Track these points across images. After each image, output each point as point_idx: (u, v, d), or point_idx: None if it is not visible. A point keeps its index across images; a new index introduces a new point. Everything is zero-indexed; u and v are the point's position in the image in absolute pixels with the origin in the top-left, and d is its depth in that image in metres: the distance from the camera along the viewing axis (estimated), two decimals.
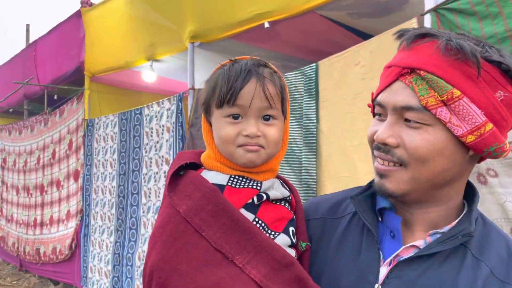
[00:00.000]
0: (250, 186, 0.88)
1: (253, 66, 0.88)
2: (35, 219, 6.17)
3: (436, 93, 0.77)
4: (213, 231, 0.81)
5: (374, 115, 0.90)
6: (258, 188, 0.88)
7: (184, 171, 0.89)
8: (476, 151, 0.80)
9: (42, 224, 6.01)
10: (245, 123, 0.86)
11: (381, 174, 0.84)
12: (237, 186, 0.88)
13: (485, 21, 2.18)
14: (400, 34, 0.85)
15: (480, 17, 2.19)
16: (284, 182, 0.96)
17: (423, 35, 0.81)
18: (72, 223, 5.33)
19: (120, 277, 4.50)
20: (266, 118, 0.87)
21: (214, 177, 0.88)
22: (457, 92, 0.76)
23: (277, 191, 0.91)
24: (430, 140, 0.78)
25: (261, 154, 0.87)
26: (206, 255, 0.80)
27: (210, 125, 0.93)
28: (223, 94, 0.86)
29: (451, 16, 2.25)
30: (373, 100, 0.88)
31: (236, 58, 0.93)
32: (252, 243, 0.81)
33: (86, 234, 5.12)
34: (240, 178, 0.89)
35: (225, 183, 0.88)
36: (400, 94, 0.80)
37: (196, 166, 0.93)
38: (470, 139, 0.77)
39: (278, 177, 0.96)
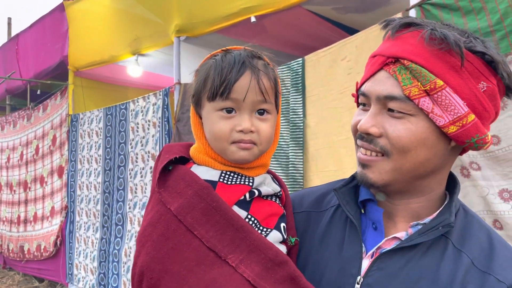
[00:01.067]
0: (242, 182, 0.86)
1: (247, 57, 0.84)
2: (19, 216, 6.08)
3: (419, 83, 0.77)
4: (205, 230, 0.79)
5: (358, 105, 0.90)
6: (250, 184, 0.86)
7: (172, 166, 0.86)
8: (458, 142, 0.80)
9: (26, 221, 5.92)
10: (239, 117, 0.83)
11: (363, 164, 0.84)
12: (229, 183, 0.85)
13: (469, 16, 2.21)
14: (386, 24, 0.84)
15: (463, 12, 2.22)
16: (275, 177, 0.95)
17: (408, 25, 0.81)
18: (57, 220, 5.27)
19: (106, 274, 4.46)
20: (260, 112, 0.85)
21: (205, 172, 0.86)
22: (440, 82, 0.76)
23: (269, 187, 0.89)
24: (412, 130, 0.78)
25: (254, 151, 0.85)
26: (198, 255, 0.78)
27: (200, 117, 0.90)
28: (216, 86, 0.82)
29: (436, 11, 2.27)
30: (357, 89, 0.88)
31: (228, 48, 0.88)
32: (245, 242, 0.79)
33: (71, 231, 5.06)
34: (232, 174, 0.86)
35: (217, 179, 0.85)
36: (384, 83, 0.80)
37: (184, 160, 0.89)
38: (452, 129, 0.77)
39: (268, 172, 0.94)
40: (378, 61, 0.82)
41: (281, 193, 0.92)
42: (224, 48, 0.89)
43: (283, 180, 2.96)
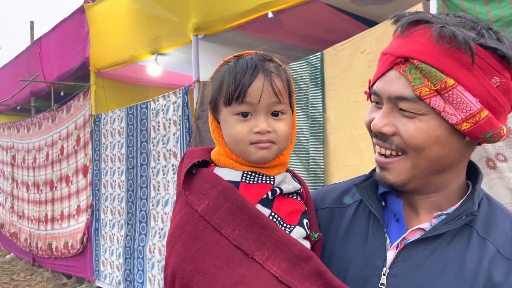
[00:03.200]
0: (264, 181, 0.88)
1: (259, 61, 0.87)
2: (46, 215, 6.25)
3: (429, 83, 0.76)
4: (232, 229, 0.81)
5: (371, 101, 0.90)
6: (272, 182, 0.89)
7: (196, 169, 0.89)
8: (472, 138, 0.80)
9: (53, 220, 6.09)
10: (255, 119, 0.86)
11: (381, 167, 0.85)
12: (251, 182, 0.88)
13: (492, 4, 2.15)
14: (396, 19, 0.84)
15: (486, 1, 2.16)
16: (294, 175, 0.97)
17: (417, 22, 0.80)
18: (83, 218, 5.39)
19: (132, 270, 4.55)
20: (275, 113, 0.87)
21: (227, 174, 0.89)
22: (450, 81, 0.76)
23: (290, 184, 0.91)
24: (424, 129, 0.78)
25: (273, 150, 0.88)
26: (226, 253, 0.80)
27: (218, 122, 0.93)
28: (231, 91, 0.85)
29: (457, 0, 2.22)
30: (370, 87, 0.88)
31: (240, 53, 0.92)
32: (271, 239, 0.81)
33: (97, 228, 5.18)
34: (253, 174, 0.89)
35: (239, 180, 0.88)
36: (394, 83, 0.80)
37: (206, 163, 0.93)
38: (465, 126, 0.77)
39: (288, 170, 0.97)
40: (388, 60, 0.82)
41: (301, 190, 0.94)
42: (236, 54, 0.92)
43: (304, 175, 2.97)
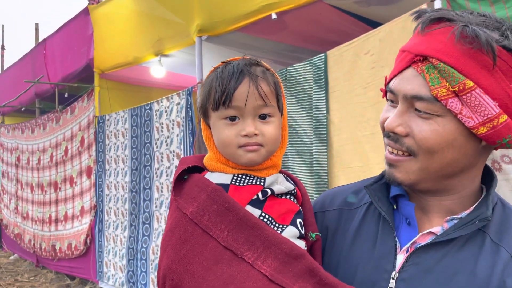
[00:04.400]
0: (254, 183, 0.89)
1: (245, 66, 0.89)
2: (50, 216, 6.26)
3: (447, 83, 0.74)
4: (220, 230, 0.82)
5: (387, 99, 0.88)
6: (262, 184, 0.89)
7: (188, 175, 0.91)
8: (489, 142, 0.78)
9: (57, 221, 6.10)
10: (242, 123, 0.87)
11: (390, 164, 0.83)
12: (241, 184, 0.89)
13: (497, 5, 2.14)
14: (417, 15, 0.81)
15: (491, 1, 2.15)
16: (288, 176, 0.97)
17: (439, 19, 0.77)
18: (86, 219, 5.40)
19: (135, 271, 4.55)
20: (263, 116, 0.88)
21: (218, 177, 0.90)
22: (469, 83, 0.73)
23: (282, 185, 0.91)
24: (439, 131, 0.76)
25: (261, 153, 0.88)
26: (215, 254, 0.81)
27: (210, 127, 0.94)
28: (218, 96, 0.87)
29: (462, 1, 2.21)
30: (386, 84, 0.86)
31: (228, 60, 0.93)
32: (260, 239, 0.81)
33: (101, 230, 5.18)
34: (244, 176, 0.90)
35: (228, 182, 0.89)
36: (411, 82, 0.78)
37: (200, 169, 0.94)
38: (482, 130, 0.75)
39: (281, 171, 0.97)
40: (406, 57, 0.80)
41: (295, 191, 0.93)
42: (224, 61, 0.94)
43: (308, 177, 2.95)
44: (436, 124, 0.77)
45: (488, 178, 0.86)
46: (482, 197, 0.84)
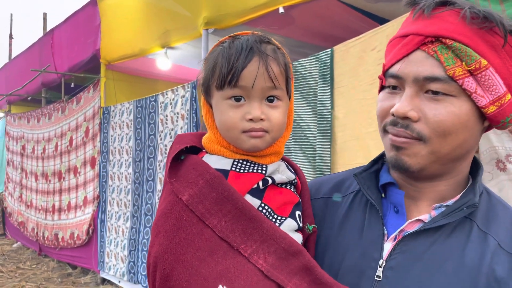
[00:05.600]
0: (255, 171, 0.84)
1: (255, 43, 0.81)
2: (54, 205, 6.30)
3: (463, 63, 0.74)
4: (217, 220, 0.77)
5: (381, 88, 0.86)
6: (263, 172, 0.84)
7: (184, 156, 0.85)
8: (493, 122, 0.79)
9: (60, 210, 6.14)
10: (248, 105, 0.81)
11: (397, 147, 0.80)
12: (242, 171, 0.84)
13: (507, 3, 2.11)
14: (413, 2, 0.81)
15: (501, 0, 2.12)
16: (289, 164, 0.93)
17: (443, 3, 0.78)
18: (89, 209, 5.43)
19: (136, 262, 4.57)
20: (270, 99, 0.82)
21: (217, 161, 0.84)
22: (484, 62, 0.74)
23: (283, 174, 0.87)
24: (455, 112, 0.75)
25: (266, 139, 0.83)
26: (210, 245, 0.77)
27: (211, 106, 0.88)
28: (223, 74, 0.80)
29: None
30: (384, 72, 0.84)
31: (236, 33, 0.86)
32: (258, 232, 0.78)
33: (103, 220, 5.21)
34: (244, 162, 0.85)
35: (229, 168, 0.84)
36: (422, 64, 0.76)
37: (197, 149, 0.88)
38: (491, 109, 0.76)
39: (283, 159, 0.92)
40: (413, 40, 0.78)
41: (296, 181, 0.90)
42: (232, 34, 0.86)
43: (310, 172, 2.93)
44: (452, 106, 0.75)
45: (474, 167, 0.87)
46: (469, 184, 0.84)
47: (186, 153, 0.86)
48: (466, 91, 0.75)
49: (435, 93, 0.76)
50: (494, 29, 0.74)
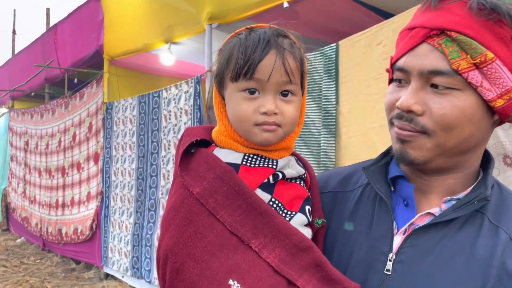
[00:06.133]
0: (265, 165, 0.84)
1: (272, 36, 0.81)
2: (57, 200, 6.32)
3: (468, 56, 0.73)
4: (228, 214, 0.77)
5: (390, 81, 0.85)
6: (274, 167, 0.84)
7: (194, 149, 0.85)
8: (502, 116, 0.77)
9: (63, 205, 6.15)
10: (263, 98, 0.80)
11: (402, 140, 0.80)
12: (253, 165, 0.83)
13: None
14: None
15: None
16: (299, 159, 0.93)
17: None
18: (93, 205, 5.44)
19: (139, 258, 4.58)
20: (285, 93, 0.82)
21: (227, 155, 0.84)
22: (490, 55, 0.73)
23: (293, 169, 0.87)
24: (460, 106, 0.75)
25: (278, 133, 0.83)
26: (221, 239, 0.76)
27: (223, 98, 0.87)
28: (239, 66, 0.79)
29: None
30: (392, 64, 0.83)
31: (253, 26, 0.85)
32: (269, 227, 0.77)
33: (106, 215, 5.22)
34: (255, 157, 0.84)
35: (239, 162, 0.83)
36: (427, 57, 0.75)
37: (206, 142, 0.88)
38: (499, 103, 0.75)
39: (293, 153, 0.92)
40: (419, 33, 0.77)
41: (305, 175, 0.89)
42: (248, 26, 0.85)
43: (315, 168, 2.92)
44: (457, 100, 0.75)
45: (484, 160, 0.86)
46: (480, 177, 0.83)
47: (196, 146, 0.85)
48: (472, 85, 0.74)
49: (438, 86, 0.76)
50: (502, 20, 0.73)
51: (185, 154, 0.84)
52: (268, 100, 0.81)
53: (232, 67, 0.81)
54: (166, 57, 4.84)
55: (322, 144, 2.83)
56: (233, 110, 0.83)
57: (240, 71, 0.80)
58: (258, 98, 0.81)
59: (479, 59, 0.73)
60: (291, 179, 0.87)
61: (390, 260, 0.79)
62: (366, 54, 2.60)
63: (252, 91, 0.81)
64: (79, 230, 5.70)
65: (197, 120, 3.87)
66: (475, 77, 0.73)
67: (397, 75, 0.81)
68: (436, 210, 0.81)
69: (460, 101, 0.75)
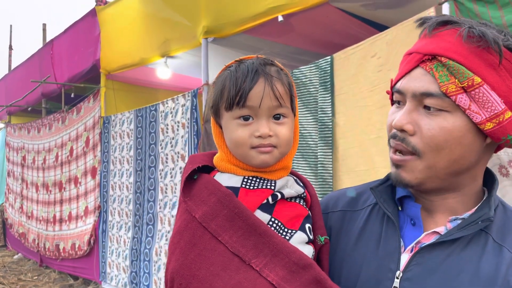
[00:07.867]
0: (264, 187, 0.88)
1: (259, 65, 0.87)
2: (55, 216, 6.28)
3: (456, 80, 0.77)
4: (229, 236, 0.82)
5: (392, 102, 0.90)
6: (272, 187, 0.88)
7: (197, 175, 0.90)
8: (494, 139, 0.80)
9: (61, 221, 6.12)
10: (256, 123, 0.86)
11: (396, 165, 0.85)
12: (252, 188, 0.88)
13: (506, 8, 2.12)
14: (422, 22, 0.86)
15: (500, 5, 2.13)
16: (298, 178, 0.96)
17: (445, 22, 0.82)
18: (90, 219, 5.41)
19: (138, 272, 4.55)
20: (277, 117, 0.87)
21: (228, 179, 0.89)
22: (477, 79, 0.77)
23: (292, 189, 0.91)
24: (448, 128, 0.78)
25: (274, 154, 0.87)
26: (223, 260, 0.80)
27: (221, 127, 0.93)
28: (232, 96, 0.85)
29: (470, 4, 2.19)
30: (392, 87, 0.88)
31: (241, 58, 0.92)
32: (268, 246, 0.81)
33: (104, 230, 5.19)
34: (254, 179, 0.89)
35: (239, 185, 0.88)
36: (420, 80, 0.80)
37: (209, 168, 0.93)
38: (488, 126, 0.78)
39: (292, 173, 0.96)
40: (414, 58, 0.82)
41: (305, 194, 0.93)
42: (237, 59, 0.92)
43: (312, 179, 2.93)
44: (445, 121, 0.79)
45: (489, 180, 0.89)
46: (484, 198, 0.86)
47: (199, 172, 0.91)
48: (460, 107, 0.77)
49: (430, 108, 0.80)
50: (490, 47, 0.77)
51: (188, 180, 0.89)
52: (262, 124, 0.86)
53: (226, 97, 0.87)
54: (163, 71, 4.87)
55: (319, 156, 2.84)
56: (230, 137, 0.89)
57: (233, 100, 0.86)
58: (252, 123, 0.87)
59: (466, 83, 0.77)
60: (290, 198, 0.90)
61: (397, 278, 0.82)
62: (361, 66, 2.62)
63: (246, 118, 0.87)
64: (76, 245, 5.66)
65: (194, 133, 3.88)
66: (463, 100, 0.77)
67: (396, 97, 0.86)
68: (441, 229, 0.84)
69: (449, 123, 0.78)
